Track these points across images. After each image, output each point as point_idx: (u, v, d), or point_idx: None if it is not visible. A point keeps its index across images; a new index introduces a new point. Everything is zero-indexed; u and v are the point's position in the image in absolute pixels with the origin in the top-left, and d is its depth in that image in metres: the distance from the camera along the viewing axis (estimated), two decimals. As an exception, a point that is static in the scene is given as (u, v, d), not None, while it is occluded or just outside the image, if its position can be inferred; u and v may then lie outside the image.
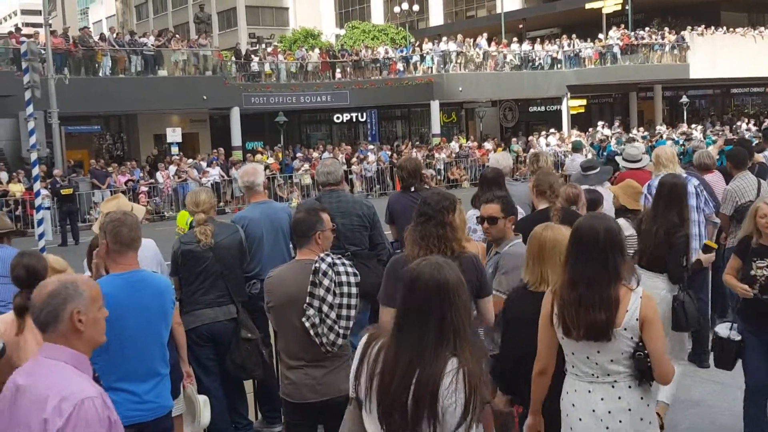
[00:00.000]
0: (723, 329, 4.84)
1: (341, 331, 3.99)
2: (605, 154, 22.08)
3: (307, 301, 3.96)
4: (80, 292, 2.62)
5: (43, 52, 22.88)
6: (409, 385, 2.51)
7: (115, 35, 28.83)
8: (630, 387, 3.34)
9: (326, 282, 3.96)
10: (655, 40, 36.41)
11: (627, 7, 37.30)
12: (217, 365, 5.26)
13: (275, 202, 6.03)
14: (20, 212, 21.17)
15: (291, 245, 5.78)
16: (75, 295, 2.60)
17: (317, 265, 3.99)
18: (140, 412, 3.70)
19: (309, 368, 4.03)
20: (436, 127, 34.66)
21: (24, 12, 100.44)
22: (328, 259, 4.03)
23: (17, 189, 21.63)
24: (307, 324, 3.94)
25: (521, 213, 5.84)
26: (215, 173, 25.19)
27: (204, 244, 5.17)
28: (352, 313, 4.03)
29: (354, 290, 4.04)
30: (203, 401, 4.81)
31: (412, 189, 6.10)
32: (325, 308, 3.95)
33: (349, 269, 4.08)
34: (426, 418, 2.49)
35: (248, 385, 5.75)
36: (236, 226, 5.50)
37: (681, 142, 24.91)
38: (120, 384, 3.66)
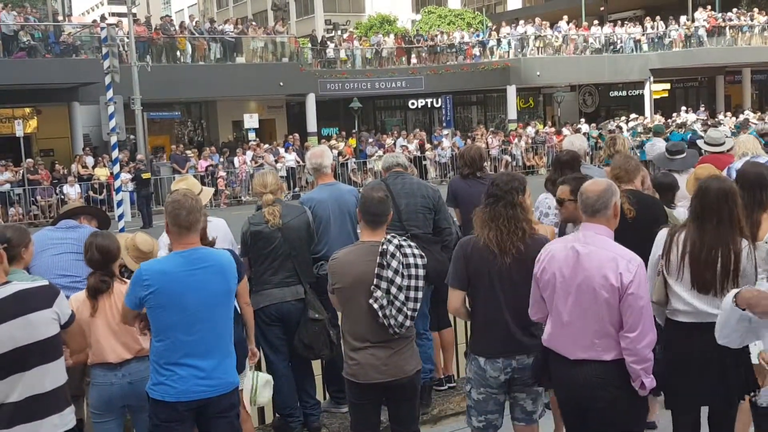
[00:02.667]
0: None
1: (409, 313, 3.97)
2: (686, 138, 21.33)
3: (375, 282, 3.94)
4: (615, 190, 3.81)
5: (126, 39, 23.60)
6: (717, 256, 3.80)
7: (194, 23, 29.48)
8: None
9: (394, 264, 3.93)
10: (744, 21, 34.91)
11: (715, -13, 35.94)
12: (286, 345, 5.30)
13: (342, 185, 6.01)
14: (104, 196, 21.94)
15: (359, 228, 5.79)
16: (617, 191, 3.81)
17: (385, 247, 3.96)
18: (206, 387, 3.74)
19: (374, 349, 4.01)
20: (512, 113, 34.18)
21: (110, 2, 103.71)
22: (395, 241, 4.01)
23: (102, 173, 22.43)
24: (375, 306, 3.92)
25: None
26: (291, 158, 25.49)
27: (272, 224, 5.19)
28: (419, 294, 4.00)
29: (421, 272, 4.00)
30: (264, 381, 4.80)
31: (477, 176, 6.03)
32: (393, 290, 3.93)
33: (416, 251, 4.05)
34: (732, 276, 3.80)
35: (316, 366, 5.78)
36: (304, 207, 5.51)
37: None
38: (186, 360, 3.71)
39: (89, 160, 23.52)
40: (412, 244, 4.10)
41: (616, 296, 3.56)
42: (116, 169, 8.42)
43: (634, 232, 4.82)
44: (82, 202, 21.47)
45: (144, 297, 3.68)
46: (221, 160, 24.92)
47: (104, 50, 8.77)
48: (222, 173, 24.31)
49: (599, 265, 3.60)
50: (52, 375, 3.42)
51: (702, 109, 35.04)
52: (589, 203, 3.73)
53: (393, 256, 3.94)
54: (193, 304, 3.68)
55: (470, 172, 6.09)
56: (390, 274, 3.92)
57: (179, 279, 3.68)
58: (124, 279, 4.36)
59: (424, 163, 26.62)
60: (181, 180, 5.25)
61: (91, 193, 21.95)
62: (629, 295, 3.53)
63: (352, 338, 4.08)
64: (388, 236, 4.03)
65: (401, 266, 3.95)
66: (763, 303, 3.33)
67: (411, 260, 3.98)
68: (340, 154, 26.05)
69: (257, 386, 4.72)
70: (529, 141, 29.97)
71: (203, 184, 23.47)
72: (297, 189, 24.68)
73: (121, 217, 8.25)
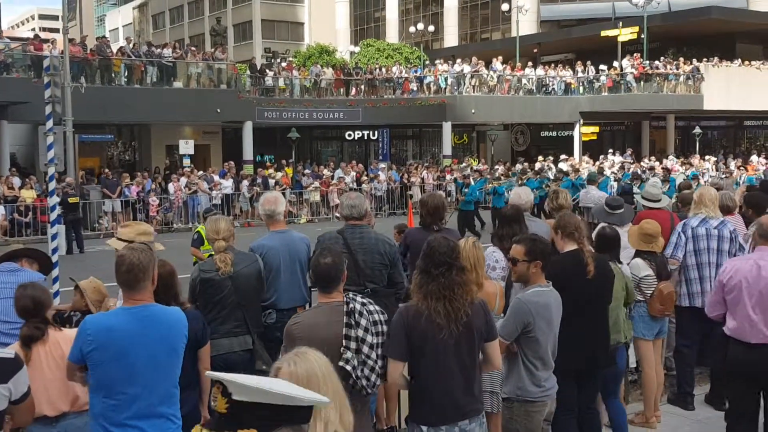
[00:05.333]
0: None
1: (380, 371, 3.87)
2: (621, 187, 21.74)
3: (344, 344, 3.81)
4: None
5: (61, 58, 23.01)
6: None
7: (132, 46, 28.99)
8: None
9: (363, 322, 3.82)
10: (670, 69, 36.43)
11: (642, 36, 37.37)
12: (231, 396, 5.19)
13: (294, 232, 5.95)
14: (30, 219, 21.17)
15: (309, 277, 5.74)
16: None
17: (351, 306, 3.86)
18: None
19: None
20: (447, 148, 34.69)
21: (41, 17, 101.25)
22: (359, 299, 3.92)
23: (29, 195, 21.64)
24: (348, 367, 3.77)
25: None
26: (228, 185, 25.18)
27: (223, 272, 5.11)
28: None
29: (385, 328, 3.92)
30: None
31: (435, 228, 5.98)
32: (365, 349, 3.80)
33: (378, 308, 3.98)
34: None
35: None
36: (255, 256, 5.46)
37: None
38: (130, 421, 3.59)
39: (15, 181, 22.69)
40: (372, 301, 4.04)
41: None
42: (53, 200, 8.13)
43: (591, 290, 5.00)
44: (7, 224, 20.74)
45: (87, 352, 3.57)
46: (153, 186, 24.37)
47: (46, 79, 8.52)
48: (154, 199, 23.77)
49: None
50: None
51: (628, 152, 36.26)
52: None
53: (361, 314, 3.84)
54: (138, 363, 3.58)
55: (432, 221, 6.04)
56: (360, 333, 3.81)
57: (125, 336, 3.57)
58: (59, 327, 4.25)
59: (360, 195, 26.63)
60: (128, 225, 5.12)
61: (16, 215, 21.13)
62: None
63: None
64: (350, 294, 3.95)
65: (370, 324, 3.85)
66: None
67: (376, 317, 3.90)
68: (276, 183, 25.88)
69: None
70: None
71: (134, 210, 23.08)
72: (231, 217, 24.32)
73: (55, 251, 7.96)
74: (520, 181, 21.37)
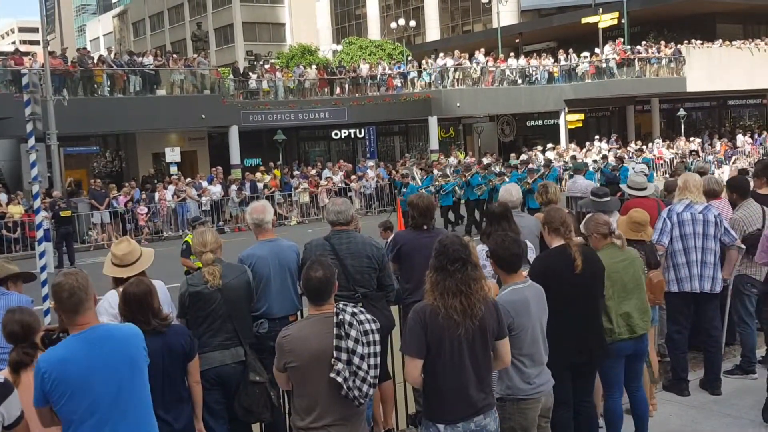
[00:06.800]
0: None
1: (372, 381, 3.85)
2: (603, 174, 21.77)
3: (335, 355, 3.79)
4: None
5: (42, 71, 22.88)
6: None
7: (113, 55, 28.84)
8: None
9: (353, 333, 3.80)
10: (652, 53, 36.54)
11: (623, 21, 37.45)
12: (225, 409, 5.17)
13: (283, 240, 5.91)
14: (19, 234, 21.05)
15: (299, 284, 5.73)
16: None
17: (341, 317, 3.83)
18: None
19: (333, 427, 3.86)
20: (434, 143, 34.71)
21: (21, 29, 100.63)
22: (349, 309, 3.89)
23: (16, 211, 21.51)
24: (339, 379, 3.76)
25: (530, 248, 5.80)
26: (217, 190, 25.11)
27: (212, 284, 5.09)
28: (379, 360, 3.90)
29: (378, 337, 3.90)
30: None
31: (425, 229, 5.96)
32: (356, 360, 3.78)
33: (369, 316, 3.96)
34: None
35: (255, 428, 5.67)
36: (244, 267, 5.43)
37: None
38: None
39: (2, 197, 22.55)
40: (363, 310, 4.01)
41: None
42: (39, 218, 8.09)
43: (580, 284, 5.00)
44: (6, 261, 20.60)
45: (48, 391, 3.44)
46: (143, 196, 24.25)
47: (26, 97, 8.47)
48: (143, 208, 23.66)
49: None
50: None
51: (614, 137, 36.38)
52: None
53: (351, 325, 3.81)
54: (102, 388, 3.47)
55: (423, 222, 6.00)
56: (351, 344, 3.79)
57: (81, 364, 3.45)
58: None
59: (349, 194, 26.66)
60: (121, 242, 5.10)
61: (4, 232, 21.02)
62: None
63: (306, 417, 3.89)
64: (340, 304, 3.92)
65: (360, 334, 3.82)
66: None
67: (367, 326, 3.88)
68: (265, 186, 25.85)
69: None
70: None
71: (123, 220, 22.98)
72: (221, 223, 24.31)
73: (43, 268, 7.93)
74: (464, 178, 20.97)
